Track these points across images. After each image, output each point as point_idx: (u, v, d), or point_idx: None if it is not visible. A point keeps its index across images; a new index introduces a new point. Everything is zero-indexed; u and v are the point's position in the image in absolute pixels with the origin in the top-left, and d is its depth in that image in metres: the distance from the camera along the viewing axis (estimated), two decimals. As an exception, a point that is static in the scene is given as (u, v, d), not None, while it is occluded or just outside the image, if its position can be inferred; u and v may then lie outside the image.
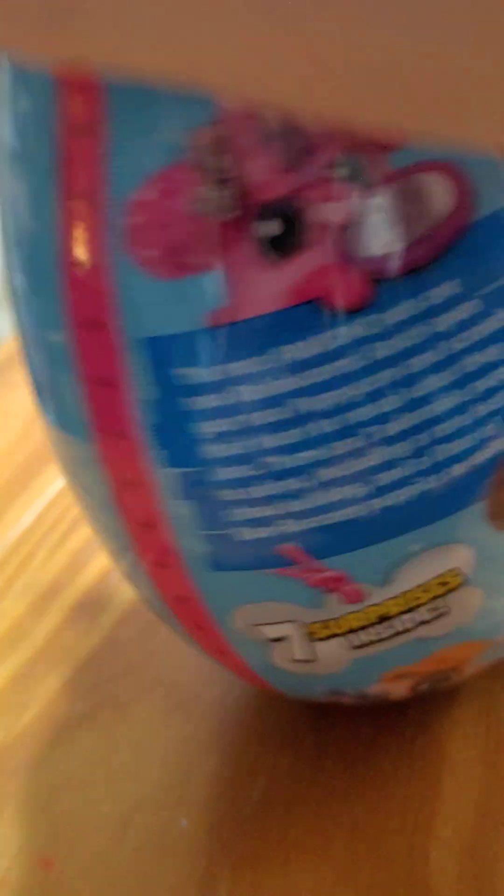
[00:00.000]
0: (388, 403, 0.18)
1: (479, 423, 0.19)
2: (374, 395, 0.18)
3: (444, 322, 0.18)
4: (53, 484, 0.40)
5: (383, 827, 0.24)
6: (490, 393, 0.18)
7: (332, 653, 0.22)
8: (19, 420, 0.45)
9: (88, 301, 0.19)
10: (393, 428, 0.18)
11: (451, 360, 0.18)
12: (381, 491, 0.19)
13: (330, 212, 0.17)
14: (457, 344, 0.18)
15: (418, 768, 0.25)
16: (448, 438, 0.19)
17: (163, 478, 0.20)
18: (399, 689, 0.24)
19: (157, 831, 0.25)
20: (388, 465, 0.19)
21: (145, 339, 0.18)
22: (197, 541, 0.20)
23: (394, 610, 0.21)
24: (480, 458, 0.19)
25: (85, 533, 0.37)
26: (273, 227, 0.17)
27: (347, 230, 0.17)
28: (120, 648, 0.31)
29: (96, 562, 0.35)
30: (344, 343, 0.18)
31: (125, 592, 0.33)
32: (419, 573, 0.20)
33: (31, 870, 0.24)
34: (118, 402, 0.19)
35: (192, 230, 0.17)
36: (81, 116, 0.17)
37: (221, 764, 0.26)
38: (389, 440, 0.19)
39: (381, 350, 0.18)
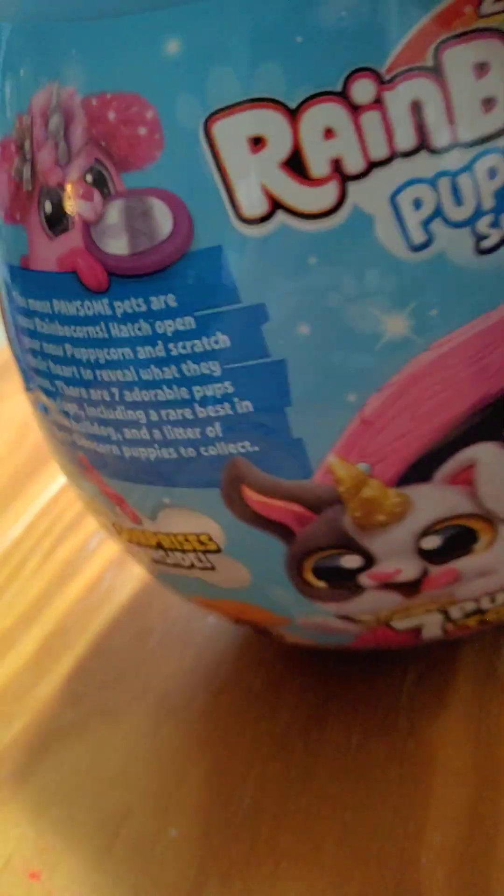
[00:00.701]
0: (124, 376, 0.21)
1: (203, 422, 0.21)
2: (113, 364, 0.21)
3: (164, 327, 0.20)
4: (43, 495, 0.40)
5: (374, 833, 0.24)
6: (210, 401, 0.21)
7: (141, 556, 0.26)
8: (10, 431, 0.45)
9: None
10: (130, 396, 0.22)
11: (172, 360, 0.21)
12: (129, 443, 0.22)
13: (81, 207, 0.20)
14: (175, 349, 0.21)
15: (409, 774, 0.25)
16: (174, 423, 0.21)
17: (20, 366, 0.25)
18: (224, 616, 0.27)
19: (146, 841, 0.25)
20: (131, 423, 0.22)
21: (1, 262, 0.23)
22: (43, 424, 0.25)
23: (166, 543, 0.24)
24: (208, 451, 0.21)
25: (74, 543, 0.37)
26: (48, 207, 0.21)
27: (91, 226, 0.21)
28: (109, 658, 0.31)
29: (86, 571, 0.35)
30: (90, 314, 0.21)
31: (115, 602, 0.33)
32: (175, 523, 0.23)
33: (19, 881, 0.24)
34: (2, 307, 0.25)
35: (13, 192, 0.22)
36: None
37: (211, 772, 0.26)
38: (129, 404, 0.22)
39: (116, 330, 0.21)
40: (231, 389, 0.21)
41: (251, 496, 0.22)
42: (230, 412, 0.21)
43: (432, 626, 0.25)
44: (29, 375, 0.24)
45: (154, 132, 0.19)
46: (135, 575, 0.34)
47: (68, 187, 0.21)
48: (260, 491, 0.22)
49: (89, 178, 0.20)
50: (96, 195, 0.20)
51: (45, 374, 0.23)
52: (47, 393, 0.24)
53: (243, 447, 0.21)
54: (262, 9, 0.18)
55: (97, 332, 0.21)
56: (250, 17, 0.18)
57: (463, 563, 0.23)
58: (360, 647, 0.26)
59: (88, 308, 0.21)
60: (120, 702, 0.29)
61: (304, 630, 0.26)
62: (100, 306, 0.21)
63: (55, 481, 0.40)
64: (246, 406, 0.21)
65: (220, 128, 0.19)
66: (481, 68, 0.18)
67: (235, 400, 0.21)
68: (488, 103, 0.18)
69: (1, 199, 0.22)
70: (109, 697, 0.29)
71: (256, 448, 0.21)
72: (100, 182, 0.20)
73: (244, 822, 0.25)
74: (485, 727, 0.26)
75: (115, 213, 0.20)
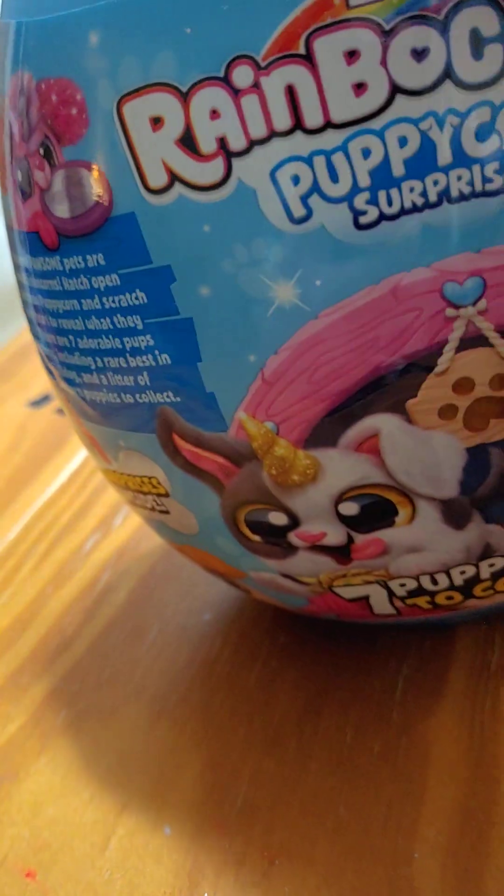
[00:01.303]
0: (75, 324, 0.24)
1: (134, 371, 0.23)
2: (68, 314, 0.24)
3: (98, 282, 0.23)
4: (40, 497, 0.40)
5: (367, 828, 0.24)
6: (137, 351, 0.23)
7: (124, 497, 0.28)
8: (6, 435, 0.45)
9: None
10: (82, 343, 0.24)
11: (106, 313, 0.23)
12: (86, 387, 0.25)
13: (37, 176, 0.23)
14: (108, 303, 0.23)
15: (402, 769, 0.25)
16: (114, 371, 0.24)
17: (27, 318, 0.27)
18: (197, 564, 0.29)
19: (140, 838, 0.25)
20: (85, 368, 0.24)
21: (6, 225, 0.26)
22: (48, 362, 0.27)
23: (130, 485, 0.27)
24: (142, 398, 0.24)
25: (70, 545, 0.37)
26: (19, 176, 0.24)
27: (44, 192, 0.23)
28: (105, 657, 0.31)
29: (82, 573, 0.35)
30: (49, 269, 0.24)
31: (110, 603, 0.33)
32: (131, 464, 0.26)
33: (15, 881, 0.24)
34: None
35: (2, 164, 0.24)
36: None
37: (205, 769, 0.26)
38: (82, 351, 0.24)
39: (67, 284, 0.23)
40: (152, 342, 0.23)
41: (181, 444, 0.24)
42: (153, 363, 0.23)
43: (379, 599, 0.26)
44: (30, 324, 0.27)
45: (82, 112, 0.22)
46: (130, 575, 0.34)
47: (29, 158, 0.23)
48: (187, 440, 0.24)
49: (41, 150, 0.23)
50: (46, 165, 0.23)
51: (33, 322, 0.26)
52: (37, 339, 0.27)
53: (168, 397, 0.23)
54: (158, 3, 0.20)
55: (55, 286, 0.24)
56: (148, 11, 0.20)
57: (388, 535, 0.24)
58: (318, 612, 0.28)
59: (48, 264, 0.24)
60: (115, 701, 0.29)
61: (261, 587, 0.27)
62: (54, 262, 0.23)
63: (51, 485, 0.40)
64: (165, 359, 0.23)
65: (128, 109, 0.21)
66: (351, 55, 0.19)
67: (156, 352, 0.23)
68: (359, 87, 0.19)
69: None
70: (105, 696, 0.29)
71: (178, 399, 0.23)
72: (48, 154, 0.23)
73: (238, 819, 0.25)
74: (478, 722, 0.26)
75: (59, 181, 0.23)
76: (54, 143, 0.22)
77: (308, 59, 0.19)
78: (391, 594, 0.25)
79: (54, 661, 0.31)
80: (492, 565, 0.24)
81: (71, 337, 0.24)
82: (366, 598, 0.26)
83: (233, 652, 0.30)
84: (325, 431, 0.22)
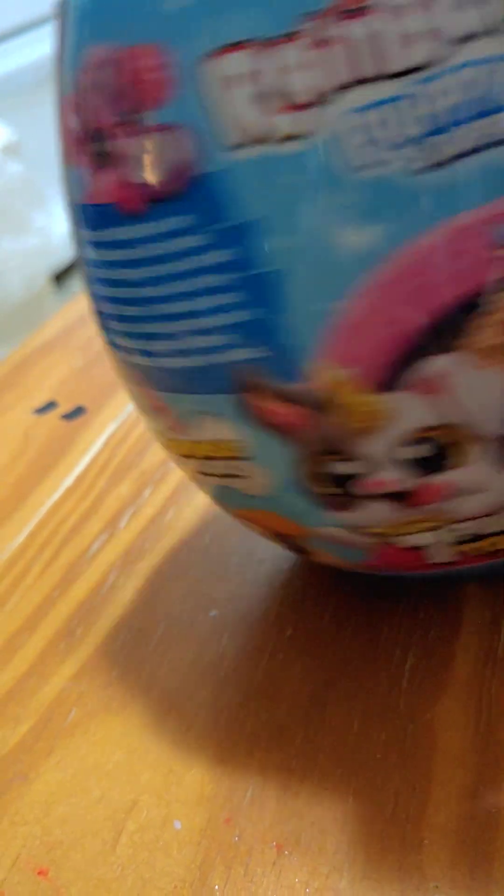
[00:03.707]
0: (156, 291, 0.25)
1: (210, 331, 0.24)
2: (149, 282, 0.25)
3: (183, 244, 0.24)
4: (46, 501, 0.40)
5: (376, 817, 0.24)
6: (214, 311, 0.24)
7: (189, 469, 0.29)
8: (13, 440, 0.45)
9: None
10: (160, 310, 0.25)
11: (188, 274, 0.24)
12: (159, 354, 0.26)
13: (119, 146, 0.24)
14: (189, 263, 0.24)
15: (410, 756, 0.25)
16: (192, 333, 0.25)
17: (91, 295, 0.28)
18: (263, 531, 0.30)
19: (151, 833, 0.24)
20: (163, 336, 0.25)
21: (69, 203, 0.27)
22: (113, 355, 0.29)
23: (198, 452, 0.27)
24: (218, 359, 0.25)
25: (76, 547, 0.37)
26: (95, 147, 0.25)
27: (129, 160, 0.24)
28: (113, 657, 0.31)
29: (88, 576, 0.35)
30: (131, 238, 0.25)
31: (117, 603, 0.33)
32: (205, 431, 0.26)
33: (27, 879, 0.24)
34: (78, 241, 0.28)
35: (72, 139, 0.26)
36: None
37: (213, 763, 0.26)
38: (159, 318, 0.25)
39: (151, 250, 0.24)
40: (237, 299, 0.24)
41: (260, 402, 0.25)
42: (238, 320, 0.24)
43: (438, 547, 0.27)
44: (94, 300, 0.28)
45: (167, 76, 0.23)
46: (136, 576, 0.34)
47: (111, 130, 0.24)
48: (266, 396, 0.24)
49: (123, 118, 0.24)
50: (129, 134, 0.24)
51: (103, 298, 0.27)
52: (108, 317, 0.27)
53: (250, 353, 0.24)
54: None
55: (136, 254, 0.25)
56: None
57: (449, 478, 0.25)
58: (377, 567, 0.28)
59: (129, 233, 0.25)
60: (124, 699, 0.29)
61: (325, 544, 0.28)
62: (139, 230, 0.24)
63: (57, 489, 0.40)
64: (250, 314, 0.24)
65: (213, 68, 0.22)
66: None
67: (242, 308, 0.24)
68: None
69: (67, 144, 0.26)
70: (114, 695, 0.29)
71: (260, 354, 0.24)
72: (132, 122, 0.24)
73: (247, 812, 0.25)
74: (485, 708, 0.26)
75: (140, 148, 0.24)
76: (138, 110, 0.23)
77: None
78: (450, 541, 0.26)
79: (63, 663, 0.31)
80: None
81: (152, 305, 0.25)
82: (425, 548, 0.26)
83: (239, 647, 0.30)
84: (393, 374, 0.23)
